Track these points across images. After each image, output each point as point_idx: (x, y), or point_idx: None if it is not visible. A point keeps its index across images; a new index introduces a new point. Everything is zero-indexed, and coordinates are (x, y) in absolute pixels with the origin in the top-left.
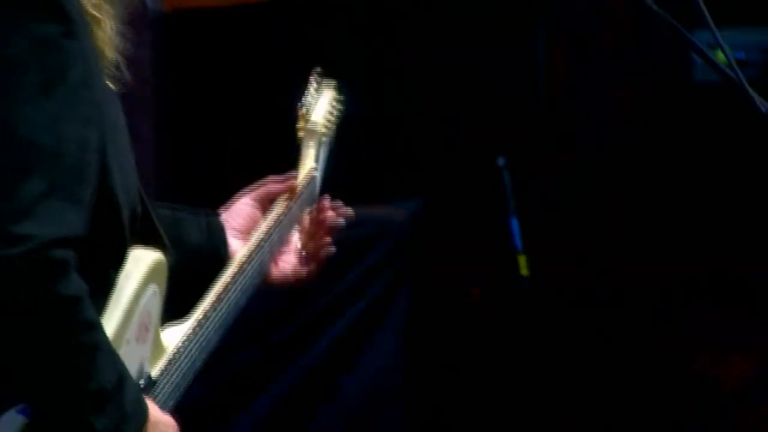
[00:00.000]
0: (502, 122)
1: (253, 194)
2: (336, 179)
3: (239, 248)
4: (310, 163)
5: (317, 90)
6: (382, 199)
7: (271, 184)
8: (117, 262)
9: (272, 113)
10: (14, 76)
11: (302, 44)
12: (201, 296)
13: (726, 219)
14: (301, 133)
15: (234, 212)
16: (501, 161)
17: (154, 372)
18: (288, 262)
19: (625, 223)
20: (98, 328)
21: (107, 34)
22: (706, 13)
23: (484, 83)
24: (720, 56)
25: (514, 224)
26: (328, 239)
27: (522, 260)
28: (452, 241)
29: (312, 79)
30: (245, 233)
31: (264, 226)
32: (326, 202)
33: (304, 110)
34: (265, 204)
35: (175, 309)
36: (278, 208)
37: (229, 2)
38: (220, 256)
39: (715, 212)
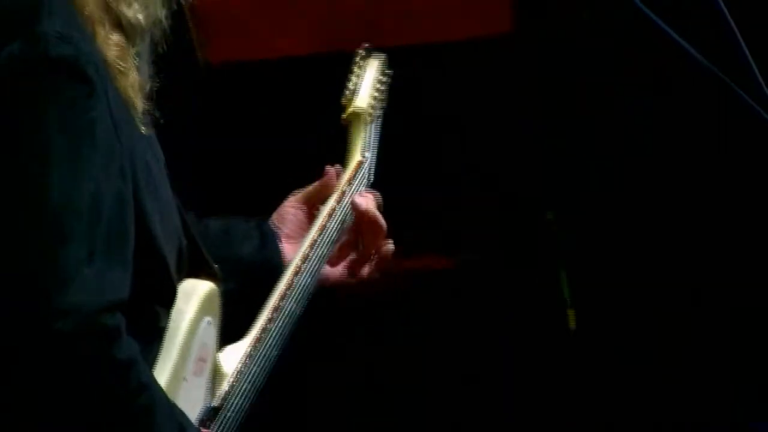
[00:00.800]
0: (552, 176)
1: (302, 197)
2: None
3: (292, 254)
4: (357, 154)
5: (361, 67)
6: (432, 250)
7: (319, 185)
8: (164, 300)
9: (320, 164)
10: (44, 141)
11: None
12: (257, 307)
13: None
14: (346, 123)
15: (283, 218)
16: (550, 215)
17: (216, 400)
18: (346, 264)
19: (677, 275)
20: (153, 387)
21: (133, 81)
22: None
23: (534, 137)
24: None
25: (563, 277)
26: (385, 237)
27: (571, 314)
28: (499, 294)
29: (357, 54)
30: (296, 238)
31: (316, 226)
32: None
33: (347, 97)
34: (315, 205)
35: (233, 324)
36: (329, 206)
37: (278, 54)
38: (274, 265)
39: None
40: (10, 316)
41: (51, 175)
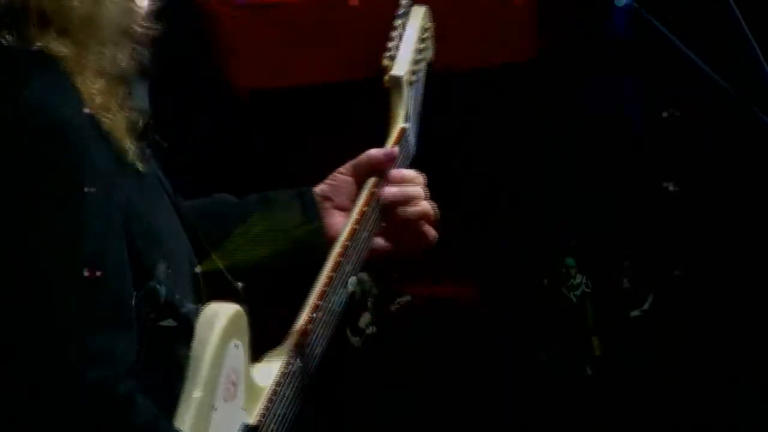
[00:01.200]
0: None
1: (351, 167)
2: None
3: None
4: (400, 121)
5: (402, 25)
6: (448, 276)
7: (369, 157)
8: (179, 336)
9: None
10: (37, 215)
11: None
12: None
13: None
14: (387, 87)
15: (338, 189)
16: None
17: (253, 419)
18: (392, 234)
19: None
20: None
21: (121, 125)
22: None
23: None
24: None
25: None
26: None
27: (596, 341)
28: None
29: (400, 6)
30: (348, 211)
31: (354, 214)
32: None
33: (387, 60)
34: (364, 176)
35: (282, 303)
36: (367, 190)
37: (301, 82)
38: (316, 234)
39: None
40: (24, 391)
41: (49, 248)
